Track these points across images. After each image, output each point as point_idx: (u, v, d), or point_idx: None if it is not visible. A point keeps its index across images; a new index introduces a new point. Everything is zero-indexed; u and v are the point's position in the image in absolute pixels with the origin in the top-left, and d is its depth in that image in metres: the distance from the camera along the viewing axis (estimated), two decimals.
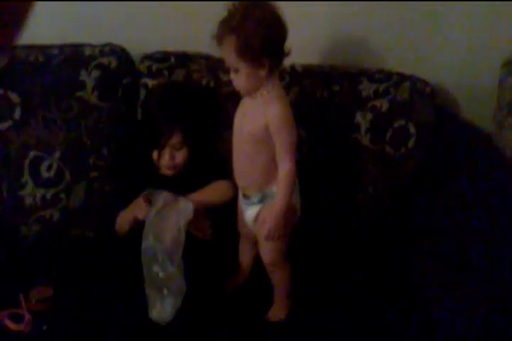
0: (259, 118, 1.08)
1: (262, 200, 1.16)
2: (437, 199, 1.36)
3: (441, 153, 1.41)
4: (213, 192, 1.30)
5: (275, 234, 1.12)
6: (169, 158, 1.28)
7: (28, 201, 1.39)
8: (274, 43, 1.05)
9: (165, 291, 1.13)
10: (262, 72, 1.06)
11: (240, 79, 1.07)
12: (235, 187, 1.25)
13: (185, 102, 1.30)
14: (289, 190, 1.11)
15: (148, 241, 1.12)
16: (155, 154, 1.29)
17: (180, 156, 1.29)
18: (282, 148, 1.08)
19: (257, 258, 1.28)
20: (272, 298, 1.23)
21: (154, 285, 1.14)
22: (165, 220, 1.13)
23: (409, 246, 1.35)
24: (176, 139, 1.26)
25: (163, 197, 1.18)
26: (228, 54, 1.05)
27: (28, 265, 1.32)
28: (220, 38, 1.04)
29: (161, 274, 1.12)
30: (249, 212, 1.19)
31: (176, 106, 1.28)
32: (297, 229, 1.20)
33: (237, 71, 1.06)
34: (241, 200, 1.23)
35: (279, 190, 1.11)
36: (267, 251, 1.19)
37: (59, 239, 1.41)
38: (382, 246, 1.39)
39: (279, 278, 1.21)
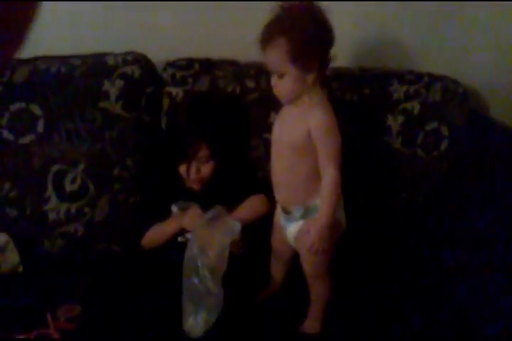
0: (301, 125, 1.04)
1: (304, 216, 1.10)
2: (470, 202, 1.32)
3: (473, 156, 1.37)
4: (251, 209, 1.27)
5: (319, 246, 1.06)
6: (195, 171, 1.26)
7: (52, 216, 1.35)
8: (324, 47, 1.02)
9: (200, 305, 1.09)
10: (310, 78, 1.02)
11: (284, 85, 1.03)
12: (270, 202, 1.22)
13: (212, 116, 1.28)
14: (334, 199, 1.05)
15: (192, 251, 1.08)
16: (181, 167, 1.27)
17: (207, 170, 1.27)
18: (325, 155, 1.04)
19: (290, 273, 1.25)
20: (305, 310, 1.18)
21: (191, 296, 1.09)
22: (211, 235, 1.09)
23: (444, 250, 1.31)
24: (202, 153, 1.25)
25: (214, 211, 1.15)
26: (275, 58, 1.00)
27: (53, 282, 1.28)
28: (267, 41, 1.00)
29: (199, 287, 1.07)
30: (291, 229, 1.14)
31: (202, 120, 1.26)
32: (341, 243, 1.15)
33: (282, 76, 1.02)
34: (280, 216, 1.18)
35: (323, 199, 1.05)
36: (309, 264, 1.14)
37: (84, 254, 1.37)
38: (416, 252, 1.35)
39: (318, 292, 1.17)
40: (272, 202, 1.22)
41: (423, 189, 1.37)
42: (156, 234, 1.31)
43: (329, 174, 1.05)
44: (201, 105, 1.32)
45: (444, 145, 1.34)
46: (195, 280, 1.09)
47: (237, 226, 1.12)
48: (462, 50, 1.39)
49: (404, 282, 1.29)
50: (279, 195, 1.14)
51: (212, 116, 1.28)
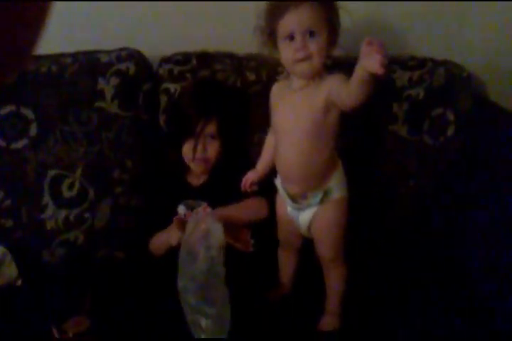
0: (316, 97, 1.00)
1: (322, 200, 1.07)
2: (478, 188, 1.30)
3: (480, 140, 1.35)
4: (245, 210, 1.23)
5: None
6: (202, 149, 1.21)
7: (50, 224, 1.28)
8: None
9: (202, 335, 1.01)
10: (329, 53, 1.01)
11: (318, 43, 0.98)
12: (269, 205, 1.20)
13: (221, 93, 1.26)
14: None
15: (180, 281, 1.01)
16: (186, 147, 1.22)
17: (213, 149, 1.23)
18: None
19: (299, 269, 1.23)
20: (320, 307, 1.15)
21: (193, 327, 1.02)
22: (195, 252, 1.01)
23: (453, 238, 1.30)
24: (210, 128, 1.21)
25: (193, 221, 1.08)
26: (311, 14, 0.98)
27: (55, 294, 1.21)
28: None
29: (198, 319, 1.00)
30: (304, 218, 1.11)
31: (212, 95, 1.24)
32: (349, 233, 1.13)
33: (313, 34, 0.98)
34: (288, 207, 1.14)
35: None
36: (327, 247, 1.12)
37: (85, 263, 1.31)
38: (425, 241, 1.32)
39: (335, 277, 1.14)
40: (271, 196, 1.18)
41: (431, 176, 1.34)
42: (158, 242, 1.25)
43: None
44: (209, 82, 1.30)
45: (450, 130, 1.32)
46: (193, 315, 1.01)
47: (218, 229, 1.03)
48: (460, 33, 1.38)
49: (417, 272, 1.26)
50: (294, 184, 1.09)
51: (221, 93, 1.26)
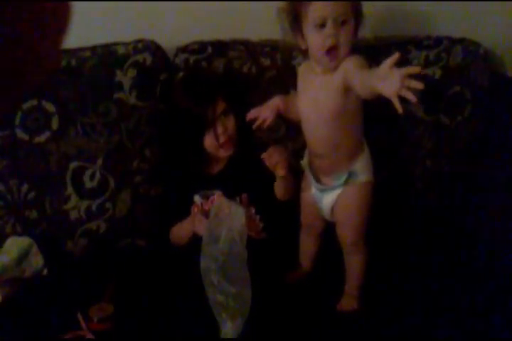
0: (335, 81, 1.00)
1: (346, 181, 1.07)
2: (496, 168, 1.28)
3: (498, 118, 1.33)
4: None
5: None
6: (223, 130, 1.20)
7: (73, 215, 1.31)
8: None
9: (223, 315, 1.02)
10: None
11: (348, 31, 0.98)
12: None
13: (218, 76, 1.31)
14: None
15: (203, 262, 1.02)
16: (208, 137, 1.22)
17: (231, 123, 1.22)
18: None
19: (320, 251, 1.22)
20: (340, 289, 1.14)
21: (215, 307, 1.03)
22: (217, 234, 1.02)
23: (471, 219, 1.29)
24: (220, 107, 1.20)
25: (216, 205, 1.09)
26: (343, 2, 0.98)
27: (80, 282, 1.23)
28: None
29: (220, 298, 1.00)
30: (327, 200, 1.12)
31: (211, 77, 1.28)
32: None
33: (344, 23, 0.98)
34: (312, 189, 1.14)
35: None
36: (349, 230, 1.11)
37: (108, 251, 1.33)
38: (443, 223, 1.31)
39: (356, 261, 1.13)
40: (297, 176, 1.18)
41: (448, 156, 1.33)
42: (179, 232, 1.26)
43: None
44: (204, 71, 1.33)
45: (467, 109, 1.30)
46: (213, 292, 1.02)
47: (240, 212, 1.05)
48: (477, 9, 1.36)
49: (436, 253, 1.25)
50: (321, 165, 1.10)
51: (218, 75, 1.30)
